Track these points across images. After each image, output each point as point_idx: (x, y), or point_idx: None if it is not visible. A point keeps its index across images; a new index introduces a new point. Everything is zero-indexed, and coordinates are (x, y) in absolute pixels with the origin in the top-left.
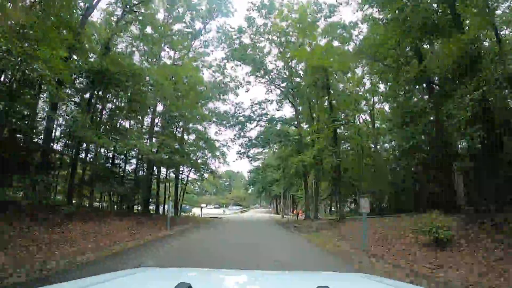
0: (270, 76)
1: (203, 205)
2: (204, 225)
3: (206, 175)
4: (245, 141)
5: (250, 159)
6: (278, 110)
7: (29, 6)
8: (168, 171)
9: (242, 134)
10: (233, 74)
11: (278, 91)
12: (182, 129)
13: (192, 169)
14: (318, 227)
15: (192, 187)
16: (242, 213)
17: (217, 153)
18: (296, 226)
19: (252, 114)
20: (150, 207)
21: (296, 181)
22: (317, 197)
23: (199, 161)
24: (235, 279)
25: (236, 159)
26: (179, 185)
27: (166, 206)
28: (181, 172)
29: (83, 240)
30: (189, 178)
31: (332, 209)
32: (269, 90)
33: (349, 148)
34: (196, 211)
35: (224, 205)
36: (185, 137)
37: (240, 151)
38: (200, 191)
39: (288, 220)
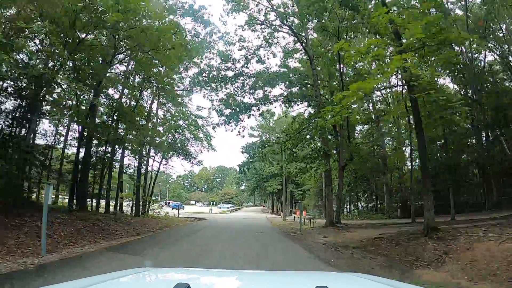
0: (276, 16)
1: (192, 202)
2: (153, 239)
3: (187, 164)
4: (235, 108)
5: (239, 129)
6: (282, 68)
7: None
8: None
9: (231, 100)
10: (222, 28)
11: (285, 32)
12: (152, 97)
13: (173, 155)
14: (382, 251)
15: (182, 182)
16: (233, 212)
17: (200, 134)
18: (326, 242)
19: (246, 69)
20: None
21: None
22: (340, 192)
23: (176, 145)
24: (234, 279)
25: (218, 124)
26: (147, 174)
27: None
28: (152, 158)
29: None
30: (162, 168)
31: (346, 209)
32: (271, 39)
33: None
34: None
35: (213, 203)
36: (160, 113)
37: (224, 114)
38: (190, 187)
39: (301, 228)
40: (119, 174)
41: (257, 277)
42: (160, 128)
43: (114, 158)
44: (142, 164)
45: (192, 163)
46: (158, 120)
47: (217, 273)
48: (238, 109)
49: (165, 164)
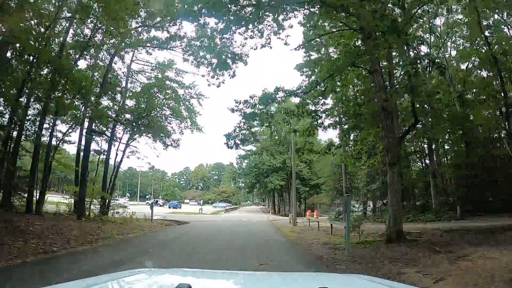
0: None
1: (186, 200)
2: None
3: (160, 146)
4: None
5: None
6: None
7: None
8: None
9: None
10: None
11: None
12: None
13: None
14: None
15: (177, 180)
16: (227, 212)
17: (182, 109)
18: None
19: None
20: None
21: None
22: (400, 179)
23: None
24: (235, 280)
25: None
26: (108, 163)
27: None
28: (117, 140)
29: None
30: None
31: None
32: None
33: None
34: (162, 209)
35: (209, 202)
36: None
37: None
38: (186, 184)
39: (348, 247)
40: (47, 155)
41: (258, 278)
42: (129, 102)
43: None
44: (99, 147)
45: (165, 143)
46: (129, 93)
47: (218, 274)
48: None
49: (131, 146)
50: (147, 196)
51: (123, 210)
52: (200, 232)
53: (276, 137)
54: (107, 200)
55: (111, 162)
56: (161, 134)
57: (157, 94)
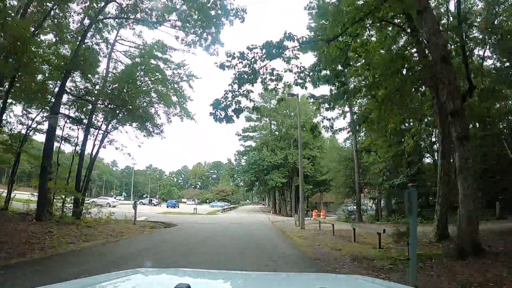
0: None
1: (183, 199)
2: None
3: (141, 135)
4: None
5: None
6: None
7: None
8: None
9: None
10: None
11: None
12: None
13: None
14: None
15: (175, 179)
16: (225, 212)
17: (170, 92)
18: None
19: None
20: None
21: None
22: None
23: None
24: (234, 280)
25: None
26: (80, 154)
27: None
28: (97, 128)
29: None
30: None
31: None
32: None
33: None
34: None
35: (202, 201)
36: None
37: None
38: (184, 183)
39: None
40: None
41: (257, 278)
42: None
43: None
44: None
45: (149, 131)
46: (109, 74)
47: (218, 274)
48: None
49: (109, 135)
50: (144, 195)
51: (98, 210)
52: (187, 237)
53: (278, 130)
54: (80, 199)
55: (95, 155)
56: (145, 120)
57: (139, 76)
